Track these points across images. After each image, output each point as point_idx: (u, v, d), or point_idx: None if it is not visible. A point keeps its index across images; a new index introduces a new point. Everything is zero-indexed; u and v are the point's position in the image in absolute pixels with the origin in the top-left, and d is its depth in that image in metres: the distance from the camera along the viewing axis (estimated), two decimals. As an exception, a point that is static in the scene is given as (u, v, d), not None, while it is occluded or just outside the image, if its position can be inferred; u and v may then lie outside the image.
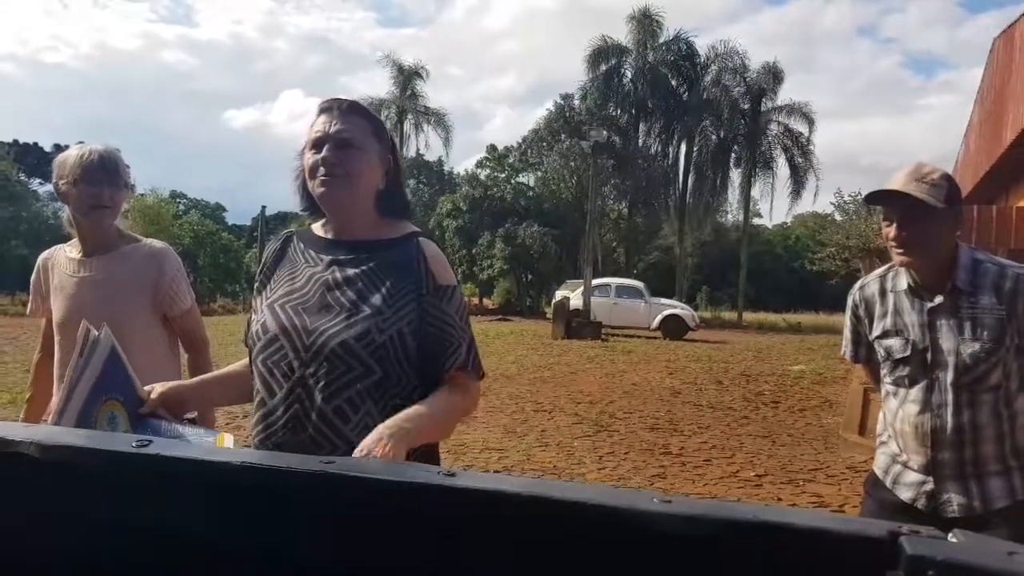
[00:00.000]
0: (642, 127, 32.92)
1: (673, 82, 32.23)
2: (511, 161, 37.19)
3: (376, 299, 1.35)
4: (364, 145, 1.39)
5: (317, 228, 1.50)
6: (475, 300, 34.75)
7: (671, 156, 33.13)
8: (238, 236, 42.30)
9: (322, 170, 1.37)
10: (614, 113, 32.45)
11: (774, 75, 31.37)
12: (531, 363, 11.59)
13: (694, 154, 32.32)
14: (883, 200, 1.77)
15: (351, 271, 1.38)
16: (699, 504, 0.63)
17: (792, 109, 31.41)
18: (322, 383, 1.31)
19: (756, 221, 41.01)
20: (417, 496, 0.66)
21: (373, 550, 0.68)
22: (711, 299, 39.39)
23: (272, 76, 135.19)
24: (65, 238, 2.21)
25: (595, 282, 20.16)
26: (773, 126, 31.95)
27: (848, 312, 1.99)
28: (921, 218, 1.70)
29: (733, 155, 32.48)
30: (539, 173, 34.96)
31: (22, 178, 35.79)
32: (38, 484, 0.73)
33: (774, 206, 60.96)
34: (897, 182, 1.72)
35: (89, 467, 0.72)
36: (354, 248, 1.41)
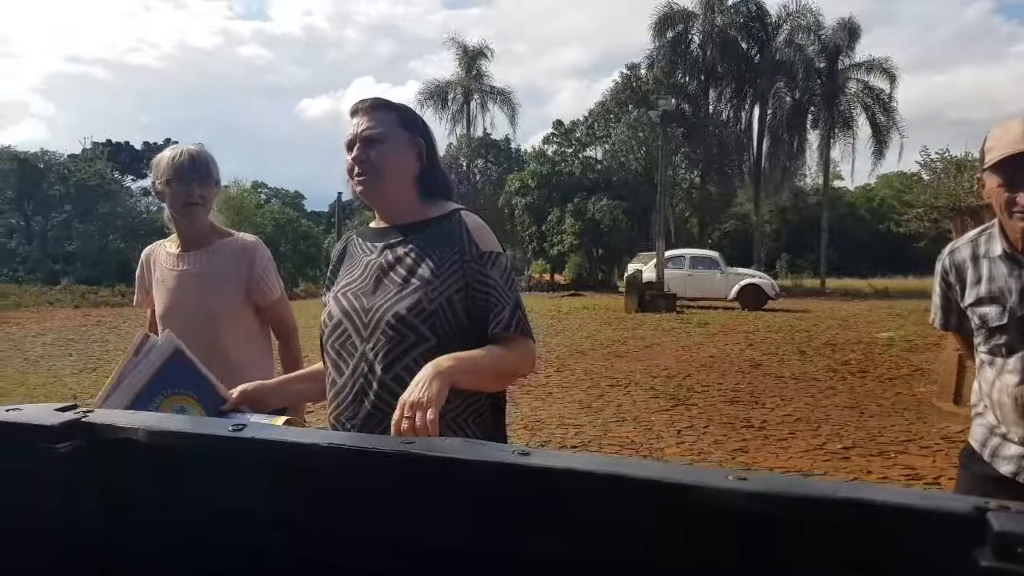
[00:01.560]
0: (712, 93, 31.87)
1: (743, 45, 31.00)
2: (578, 135, 36.75)
3: (424, 271, 1.44)
4: (390, 138, 1.48)
5: (373, 222, 1.62)
6: (546, 276, 34.76)
7: (744, 121, 31.99)
8: (316, 223, 43.61)
9: (356, 169, 1.48)
10: (682, 80, 31.51)
11: (850, 31, 29.74)
12: (605, 338, 11.54)
13: (768, 118, 31.08)
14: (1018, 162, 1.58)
15: (401, 251, 1.48)
16: (776, 480, 0.62)
17: (872, 65, 29.76)
18: (381, 354, 1.41)
19: (837, 184, 39.16)
20: (492, 475, 0.68)
21: (449, 528, 0.70)
22: (791, 267, 38.00)
23: (343, 65, 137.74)
24: (159, 231, 2.39)
25: (668, 253, 19.80)
26: (852, 84, 30.35)
27: (937, 278, 1.89)
28: None
29: (810, 117, 31.08)
30: (607, 146, 34.40)
31: (116, 176, 37.85)
32: (146, 467, 0.79)
33: (856, 167, 57.73)
34: None
35: (188, 450, 0.78)
36: (402, 231, 1.51)
